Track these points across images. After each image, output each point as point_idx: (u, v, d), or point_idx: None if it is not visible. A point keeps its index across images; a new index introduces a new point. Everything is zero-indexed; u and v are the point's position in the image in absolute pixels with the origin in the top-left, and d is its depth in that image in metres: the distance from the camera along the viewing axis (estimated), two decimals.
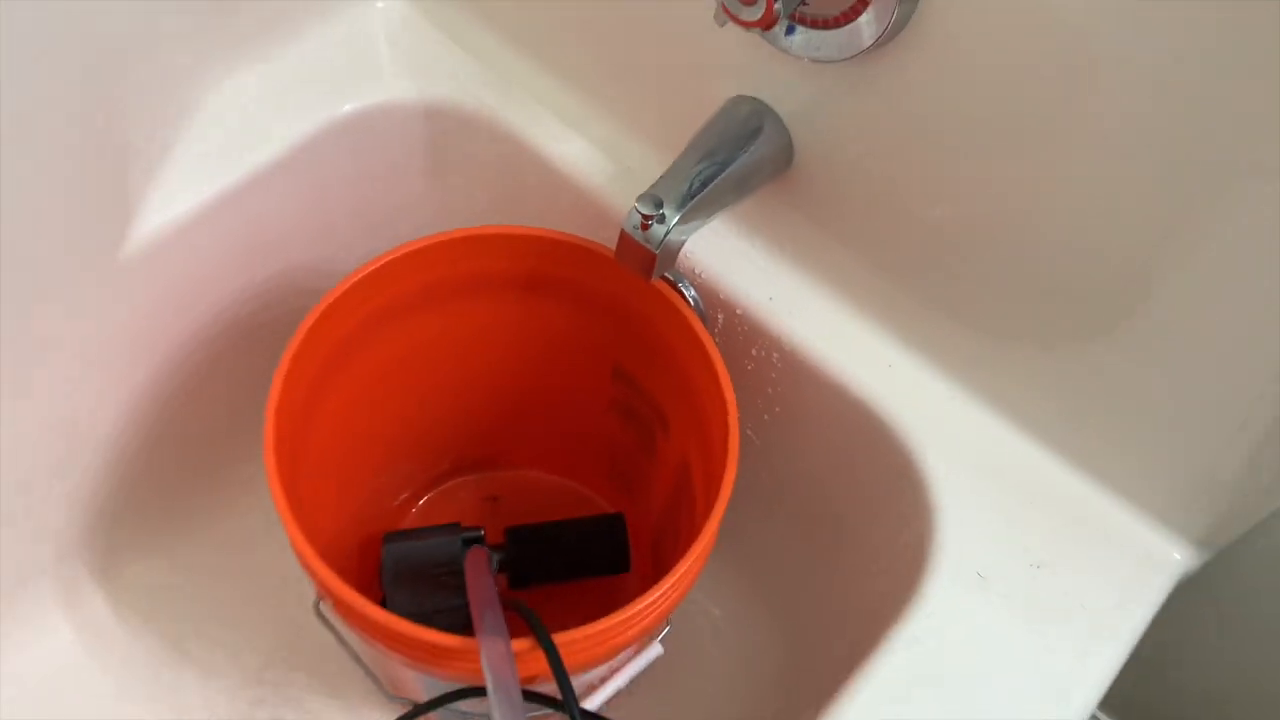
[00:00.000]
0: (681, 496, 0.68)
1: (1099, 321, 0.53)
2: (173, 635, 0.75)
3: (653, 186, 0.55)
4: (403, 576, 0.69)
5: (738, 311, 0.64)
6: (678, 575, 0.50)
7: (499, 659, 0.47)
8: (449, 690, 0.56)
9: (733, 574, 0.79)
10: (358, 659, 0.61)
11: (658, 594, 0.50)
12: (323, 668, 0.75)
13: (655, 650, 0.65)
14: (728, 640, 0.79)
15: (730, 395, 0.56)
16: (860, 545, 0.66)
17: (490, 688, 0.47)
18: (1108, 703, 0.82)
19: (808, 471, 0.69)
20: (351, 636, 0.59)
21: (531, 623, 0.49)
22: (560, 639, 0.49)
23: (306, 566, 0.50)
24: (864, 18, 0.48)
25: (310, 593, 0.64)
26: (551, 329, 0.68)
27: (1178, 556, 0.57)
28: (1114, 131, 0.46)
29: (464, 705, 0.62)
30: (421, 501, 0.82)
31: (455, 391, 0.73)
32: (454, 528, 0.71)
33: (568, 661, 0.49)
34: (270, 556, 0.77)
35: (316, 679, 0.75)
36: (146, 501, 0.75)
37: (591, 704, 0.65)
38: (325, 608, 0.56)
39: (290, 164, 0.67)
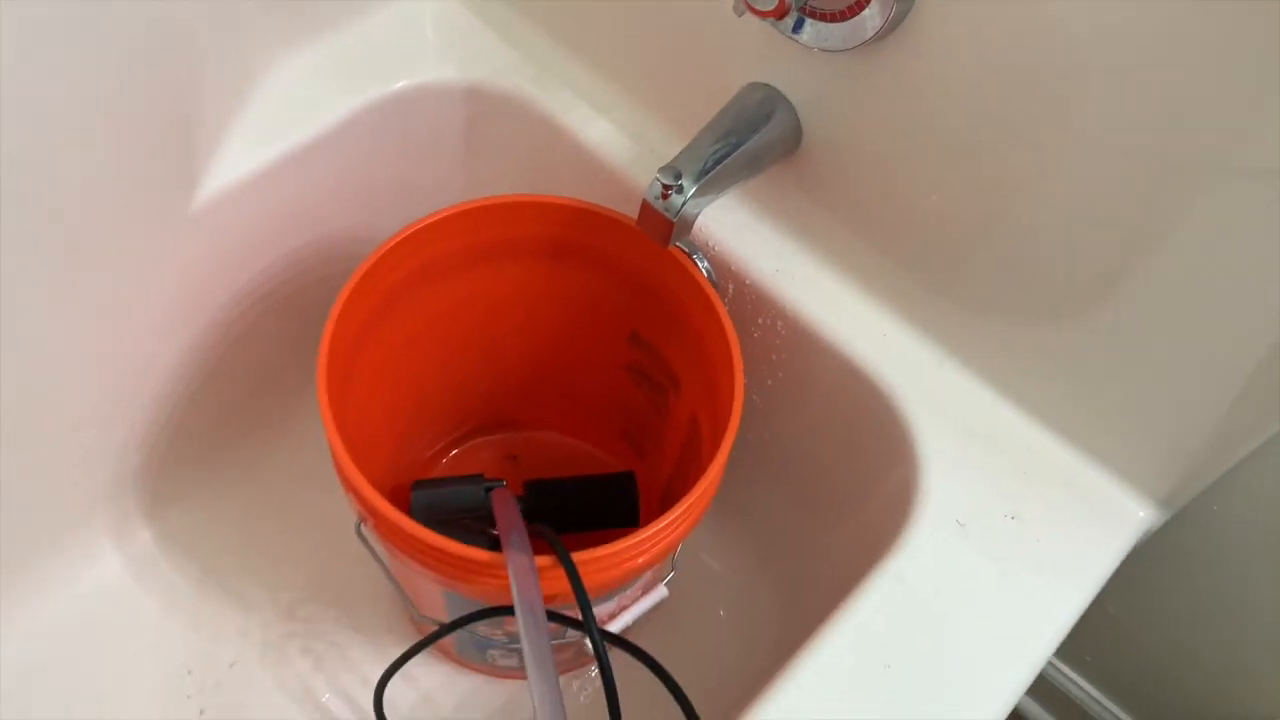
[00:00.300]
0: (690, 455, 0.74)
1: (1079, 302, 0.58)
2: (214, 571, 0.81)
3: (673, 160, 0.60)
4: (430, 521, 0.75)
5: (747, 282, 0.70)
6: (688, 504, 0.56)
7: (524, 572, 0.53)
8: (473, 610, 0.61)
9: (733, 532, 0.85)
10: (391, 577, 0.67)
11: (671, 518, 0.55)
12: (351, 606, 0.81)
13: (661, 592, 0.70)
14: (727, 590, 0.84)
15: (737, 350, 0.62)
16: (850, 499, 0.72)
17: (515, 597, 0.52)
18: (1075, 660, 0.87)
19: (805, 432, 0.74)
20: (387, 558, 0.65)
21: (552, 542, 0.55)
22: (579, 557, 0.54)
23: (350, 486, 0.56)
24: (866, 12, 0.54)
25: (347, 526, 0.69)
26: (574, 295, 0.74)
27: (1141, 514, 0.63)
28: (1099, 130, 0.51)
29: (483, 628, 0.68)
30: (446, 458, 0.88)
31: (482, 352, 0.79)
32: (478, 478, 0.77)
33: (585, 581, 0.55)
34: (307, 503, 0.84)
35: (345, 616, 0.81)
36: (194, 445, 0.81)
37: None
38: (365, 530, 0.62)
39: (340, 136, 0.74)
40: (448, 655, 0.79)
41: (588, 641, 0.70)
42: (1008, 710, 0.56)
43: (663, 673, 0.56)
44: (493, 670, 0.78)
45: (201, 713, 0.75)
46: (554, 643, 0.71)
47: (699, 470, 0.58)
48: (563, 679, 0.80)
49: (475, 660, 0.76)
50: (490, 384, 0.83)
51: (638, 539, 0.55)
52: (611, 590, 0.63)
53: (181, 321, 0.74)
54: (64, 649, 0.77)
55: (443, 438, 0.87)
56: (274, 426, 0.86)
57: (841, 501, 0.74)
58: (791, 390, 0.72)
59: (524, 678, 0.79)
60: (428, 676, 0.78)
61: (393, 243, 0.64)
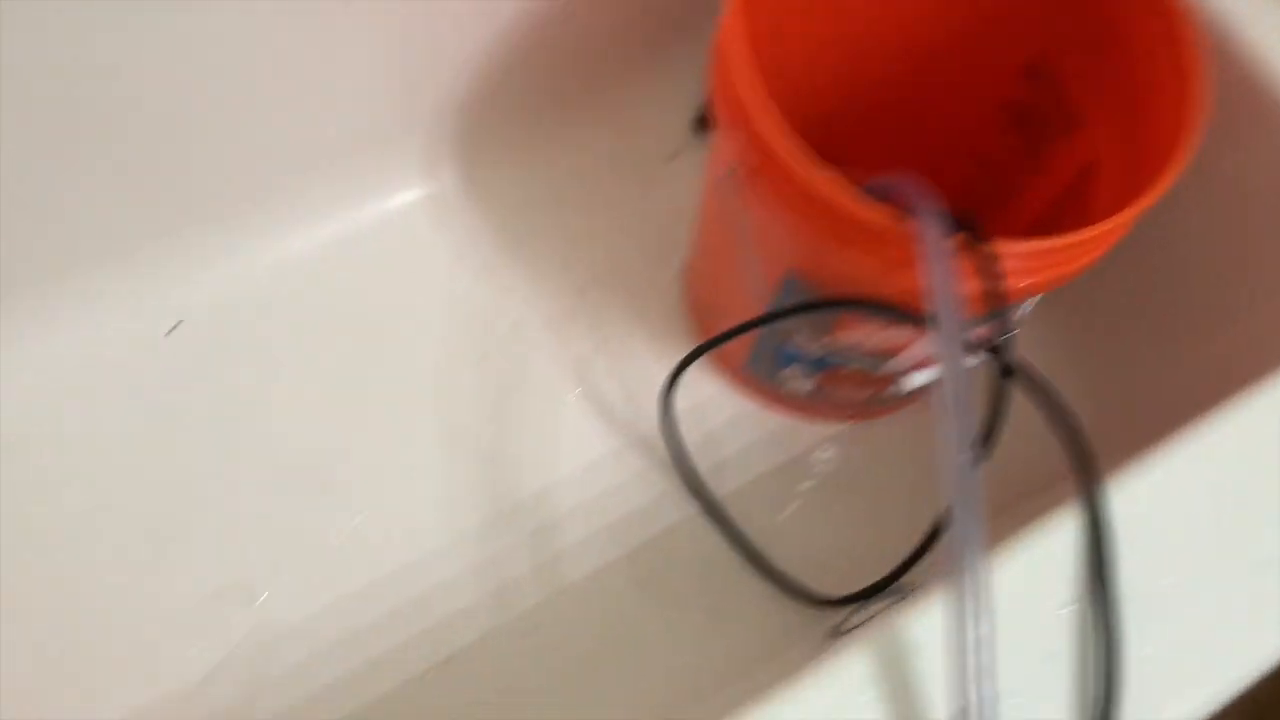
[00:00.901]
0: (1065, 214, 0.65)
1: None
2: (512, 229, 0.79)
3: None
4: None
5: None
6: (1112, 223, 0.48)
7: (941, 250, 0.46)
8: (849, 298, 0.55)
9: (1059, 328, 0.76)
10: (748, 239, 0.61)
11: (1107, 226, 0.47)
12: (644, 302, 0.77)
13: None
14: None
15: (1202, 43, 0.51)
16: (1241, 301, 0.63)
17: (934, 277, 0.45)
18: None
19: (1209, 211, 0.64)
20: (748, 219, 0.59)
21: (963, 227, 0.48)
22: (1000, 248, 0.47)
23: (746, 108, 0.49)
24: None
25: (657, 220, 0.63)
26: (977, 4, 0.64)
27: None
28: None
29: (802, 336, 0.62)
30: None
31: (863, 61, 0.70)
32: None
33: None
34: (620, 189, 0.80)
35: (635, 309, 0.77)
36: (525, 94, 0.77)
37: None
38: (736, 177, 0.55)
39: None
40: (730, 369, 0.74)
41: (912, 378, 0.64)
42: None
43: (1062, 409, 0.49)
44: (774, 396, 0.73)
45: (484, 357, 0.73)
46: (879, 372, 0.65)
47: (1079, 224, 0.49)
48: (862, 427, 0.74)
49: (764, 377, 0.71)
50: (856, 104, 0.74)
51: (1072, 239, 0.47)
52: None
53: None
54: (359, 262, 0.76)
55: None
56: (609, 100, 0.81)
57: (1223, 303, 0.64)
58: (1212, 158, 0.62)
59: (803, 415, 0.74)
60: (705, 387, 0.74)
61: None
